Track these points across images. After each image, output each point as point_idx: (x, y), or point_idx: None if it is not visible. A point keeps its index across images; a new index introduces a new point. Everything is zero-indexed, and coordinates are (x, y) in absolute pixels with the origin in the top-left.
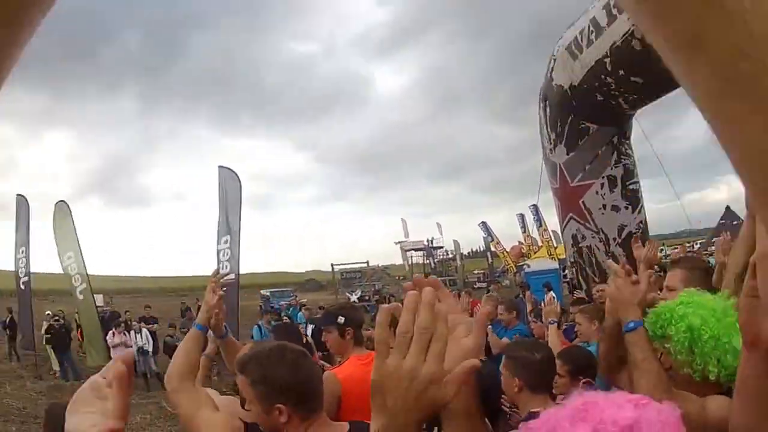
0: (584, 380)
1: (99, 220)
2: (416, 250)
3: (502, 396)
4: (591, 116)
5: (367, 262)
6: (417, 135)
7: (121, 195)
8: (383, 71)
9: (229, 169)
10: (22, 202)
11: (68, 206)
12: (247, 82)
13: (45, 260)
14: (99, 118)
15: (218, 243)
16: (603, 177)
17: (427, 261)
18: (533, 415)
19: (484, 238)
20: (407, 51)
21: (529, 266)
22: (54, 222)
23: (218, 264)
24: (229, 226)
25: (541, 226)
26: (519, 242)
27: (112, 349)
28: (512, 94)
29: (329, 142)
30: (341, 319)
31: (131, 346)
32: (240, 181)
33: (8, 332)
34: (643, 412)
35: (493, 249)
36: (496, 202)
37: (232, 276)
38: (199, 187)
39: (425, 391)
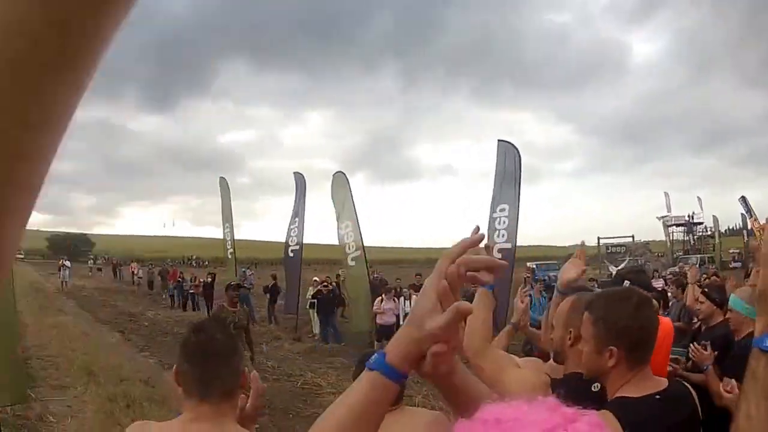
0: None
1: (366, 193)
2: (677, 225)
3: None
4: None
5: (633, 237)
6: (674, 103)
7: (386, 170)
8: (638, 38)
9: (508, 142)
10: (299, 178)
11: (346, 177)
12: (505, 55)
13: (311, 232)
14: (361, 96)
15: (493, 211)
16: None
17: (687, 237)
18: None
19: (742, 214)
20: (660, 15)
21: None
22: (332, 192)
23: (492, 231)
24: (506, 196)
25: None
26: None
27: (378, 315)
28: (764, 56)
29: (590, 113)
30: (626, 283)
31: (398, 313)
32: (519, 154)
33: (269, 297)
34: None
35: (750, 227)
36: (754, 176)
37: (509, 245)
38: (464, 160)
39: None
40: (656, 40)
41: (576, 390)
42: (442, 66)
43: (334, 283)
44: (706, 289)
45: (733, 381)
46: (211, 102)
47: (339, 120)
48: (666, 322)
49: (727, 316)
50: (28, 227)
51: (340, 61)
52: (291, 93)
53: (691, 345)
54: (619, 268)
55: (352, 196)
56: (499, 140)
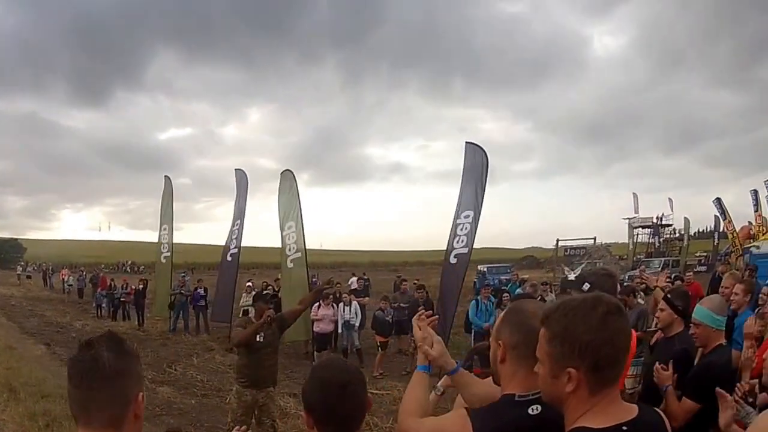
0: None
1: (308, 195)
2: (644, 227)
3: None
4: None
5: (594, 239)
6: (641, 100)
7: (330, 169)
8: (599, 30)
9: (476, 145)
10: (241, 175)
11: (293, 175)
12: (454, 47)
13: (253, 235)
14: (302, 90)
15: (457, 217)
16: None
17: (653, 240)
18: None
19: (715, 216)
20: (622, 6)
21: (758, 248)
22: (279, 190)
23: (453, 237)
24: (470, 202)
25: None
26: (749, 222)
27: (314, 322)
28: (734, 52)
29: (549, 110)
30: (586, 286)
31: (337, 320)
32: (487, 157)
33: (194, 304)
34: None
35: (722, 229)
36: (727, 176)
37: (465, 250)
38: (414, 160)
39: None
40: (619, 33)
41: (507, 417)
42: (386, 58)
43: (271, 288)
44: (668, 296)
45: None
46: (146, 95)
47: (281, 116)
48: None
49: (691, 332)
50: None
51: (279, 52)
52: (229, 86)
53: (656, 365)
54: (576, 271)
55: (298, 196)
56: (466, 142)
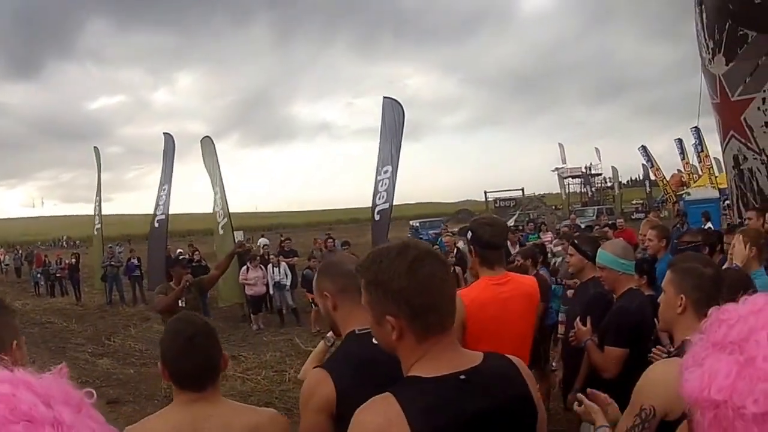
0: None
1: (240, 156)
2: (573, 177)
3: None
4: (749, 21)
5: (522, 190)
6: (571, 54)
7: (259, 130)
8: None
9: (393, 99)
10: (168, 139)
11: (212, 142)
12: (383, 5)
13: (185, 201)
14: (233, 52)
15: (378, 173)
16: (764, 90)
17: (584, 189)
18: (686, 344)
19: (643, 164)
20: None
21: (689, 194)
22: (203, 158)
23: (376, 194)
24: (390, 156)
25: (702, 151)
26: (678, 170)
27: (246, 286)
28: (665, 6)
29: (479, 64)
30: (469, 234)
31: (267, 281)
32: (404, 111)
33: (129, 274)
34: None
35: (653, 177)
36: (655, 126)
37: (387, 206)
38: (342, 118)
39: None
40: None
41: (353, 350)
42: (316, 17)
43: (187, 254)
44: (575, 241)
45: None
46: (77, 65)
47: (211, 78)
48: (527, 283)
49: (598, 275)
50: None
51: (212, 14)
52: (160, 51)
53: (576, 323)
54: (510, 222)
55: (218, 162)
56: (384, 97)
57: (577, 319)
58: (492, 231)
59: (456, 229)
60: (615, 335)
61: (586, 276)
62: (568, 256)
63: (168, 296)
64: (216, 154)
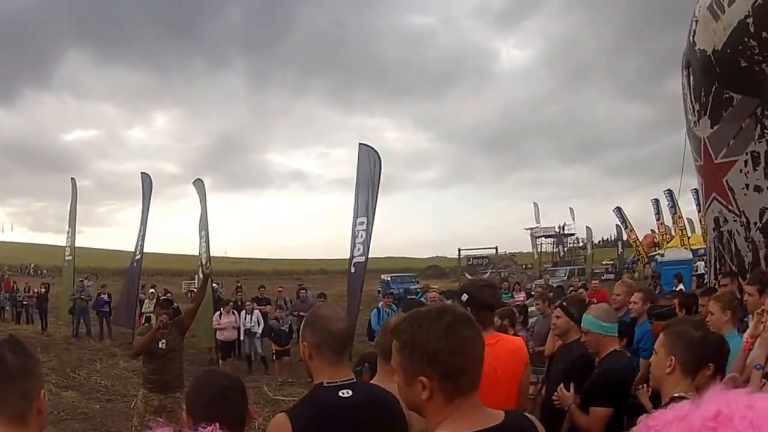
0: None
1: (211, 200)
2: (547, 236)
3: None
4: (734, 84)
5: (496, 248)
6: (545, 112)
7: (234, 175)
8: (507, 43)
9: (370, 146)
10: (146, 179)
11: (203, 184)
12: (361, 57)
13: (160, 241)
14: (209, 95)
15: (354, 224)
16: (746, 153)
17: (557, 249)
18: (675, 401)
19: (617, 225)
20: (531, 20)
21: (662, 255)
22: (200, 200)
23: (353, 246)
24: (366, 207)
25: (675, 213)
26: (651, 231)
27: (218, 330)
28: (640, 67)
29: (453, 120)
30: (464, 297)
31: (238, 328)
32: (380, 160)
33: (97, 309)
34: None
35: (625, 238)
36: (630, 185)
37: (363, 258)
38: (316, 167)
39: None
40: (526, 47)
41: (319, 401)
42: (293, 66)
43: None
44: (564, 303)
45: None
46: (53, 96)
47: (186, 120)
48: (516, 344)
49: (582, 339)
50: None
51: (189, 57)
52: (137, 89)
53: (560, 388)
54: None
55: (206, 206)
56: (360, 144)
57: (561, 385)
58: (490, 293)
59: (437, 286)
60: (601, 394)
61: (571, 338)
62: (555, 318)
63: (144, 337)
64: (205, 197)
